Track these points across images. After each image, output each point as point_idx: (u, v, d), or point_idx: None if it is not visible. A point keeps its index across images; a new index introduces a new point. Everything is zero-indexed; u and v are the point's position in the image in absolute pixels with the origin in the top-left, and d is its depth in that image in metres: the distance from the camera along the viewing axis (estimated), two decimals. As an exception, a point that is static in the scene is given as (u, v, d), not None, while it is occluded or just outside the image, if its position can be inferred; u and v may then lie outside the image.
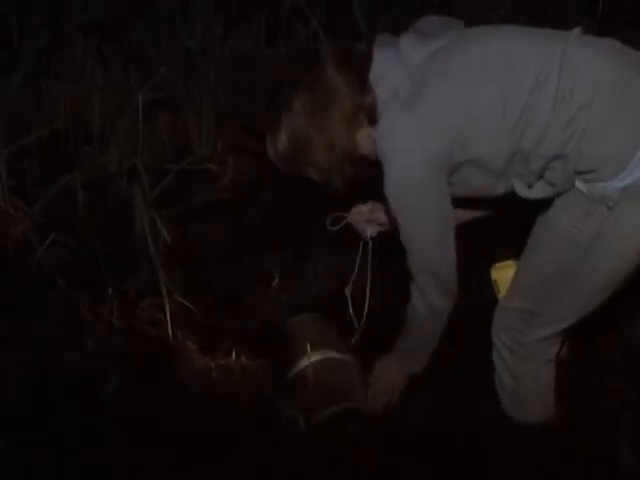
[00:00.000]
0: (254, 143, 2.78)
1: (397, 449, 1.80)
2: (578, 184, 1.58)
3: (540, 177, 1.61)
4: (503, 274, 1.79)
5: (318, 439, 1.82)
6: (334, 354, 1.97)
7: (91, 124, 2.76)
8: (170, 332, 2.12)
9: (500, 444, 1.79)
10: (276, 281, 2.35)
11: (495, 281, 1.81)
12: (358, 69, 1.60)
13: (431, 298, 1.73)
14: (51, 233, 2.30)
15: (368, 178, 1.71)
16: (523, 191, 1.63)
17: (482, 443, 1.80)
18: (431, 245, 1.68)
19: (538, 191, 1.62)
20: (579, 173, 1.57)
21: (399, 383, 1.89)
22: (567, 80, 1.51)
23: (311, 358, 1.93)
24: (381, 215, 1.92)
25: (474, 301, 2.07)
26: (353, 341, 2.05)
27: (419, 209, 1.63)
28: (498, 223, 1.96)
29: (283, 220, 2.57)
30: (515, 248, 1.79)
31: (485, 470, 1.76)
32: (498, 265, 1.82)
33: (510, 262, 1.79)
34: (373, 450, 1.80)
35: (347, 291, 2.04)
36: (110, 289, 2.16)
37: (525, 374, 1.78)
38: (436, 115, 1.55)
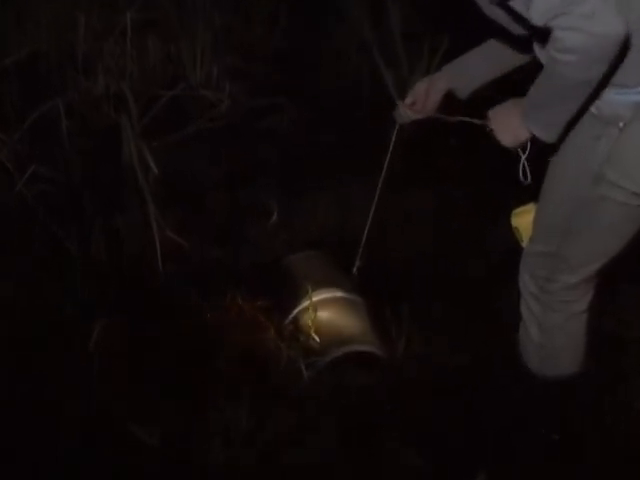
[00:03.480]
0: (253, 67, 2.79)
1: (405, 402, 1.79)
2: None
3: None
4: (524, 220, 1.76)
5: (320, 387, 1.80)
6: (338, 293, 1.95)
7: (75, 46, 2.69)
8: (161, 269, 2.09)
9: (518, 398, 1.80)
10: (275, 216, 2.32)
11: (516, 229, 1.78)
12: None
13: (597, 23, 1.40)
14: (32, 164, 2.24)
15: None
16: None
17: (496, 396, 1.81)
18: None
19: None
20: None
21: (518, 129, 1.61)
22: None
23: (313, 297, 1.90)
24: (435, 95, 1.78)
25: (498, 254, 2.10)
26: (354, 269, 1.99)
27: None
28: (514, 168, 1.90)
29: (283, 150, 2.54)
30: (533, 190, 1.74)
31: (499, 422, 1.76)
32: (517, 211, 1.78)
33: (529, 206, 1.76)
34: (379, 403, 1.79)
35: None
36: (96, 225, 2.14)
37: (554, 327, 1.76)
38: None
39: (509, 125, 1.61)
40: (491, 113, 1.65)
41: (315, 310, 1.89)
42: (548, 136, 1.56)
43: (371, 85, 2.76)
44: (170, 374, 1.82)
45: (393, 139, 1.89)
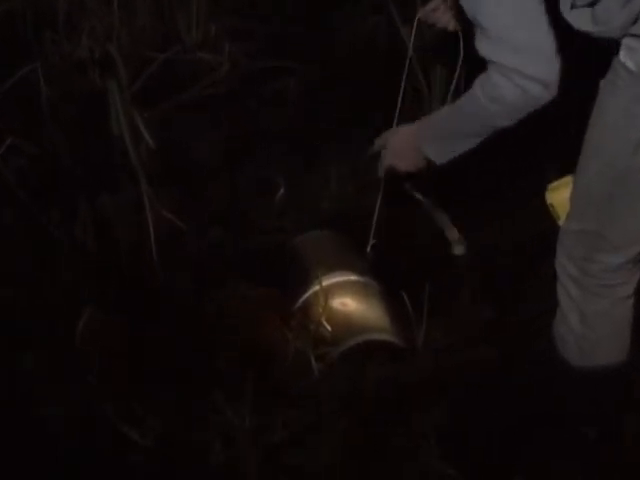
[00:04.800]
0: (255, 26, 2.78)
1: (425, 398, 1.79)
2: (624, 56, 1.51)
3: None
4: (560, 195, 1.74)
5: (331, 380, 1.80)
6: (352, 276, 1.96)
7: (55, 3, 2.68)
8: (155, 254, 2.08)
9: (554, 394, 1.80)
10: (281, 192, 2.32)
11: (551, 205, 1.77)
12: None
13: (525, 81, 1.57)
14: (8, 137, 2.22)
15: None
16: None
17: (529, 392, 1.81)
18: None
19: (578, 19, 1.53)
20: None
21: (408, 152, 1.83)
22: None
23: (323, 282, 1.90)
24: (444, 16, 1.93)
25: (530, 234, 2.10)
26: (368, 248, 2.01)
27: None
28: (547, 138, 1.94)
29: (290, 118, 2.53)
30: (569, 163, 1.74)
31: (533, 421, 1.75)
32: (552, 185, 1.77)
33: (566, 179, 1.74)
34: (395, 398, 1.79)
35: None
36: (82, 205, 2.13)
37: (597, 314, 1.74)
38: None
39: (405, 151, 1.82)
40: (386, 141, 1.86)
41: (326, 296, 1.89)
42: (443, 161, 1.76)
43: (388, 45, 2.73)
44: (165, 369, 1.82)
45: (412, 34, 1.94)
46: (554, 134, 2.28)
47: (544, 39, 1.55)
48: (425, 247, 2.15)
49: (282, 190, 2.32)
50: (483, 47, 1.57)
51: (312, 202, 2.32)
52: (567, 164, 1.74)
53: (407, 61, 1.98)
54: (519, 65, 1.55)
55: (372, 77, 2.65)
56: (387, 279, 1.99)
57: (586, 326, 1.75)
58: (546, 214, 1.78)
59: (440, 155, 1.77)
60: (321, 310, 1.88)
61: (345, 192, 2.33)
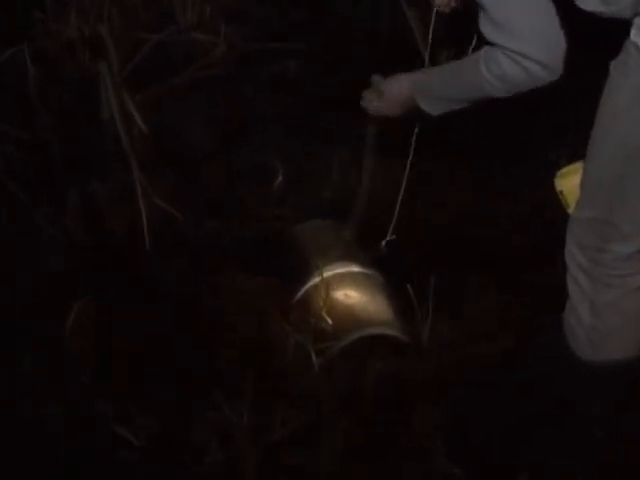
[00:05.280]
0: (252, 7, 2.77)
1: (430, 395, 1.79)
2: (635, 35, 1.53)
3: None
4: (569, 182, 1.76)
5: (332, 376, 1.80)
6: (354, 268, 1.96)
7: None
8: (148, 244, 2.08)
9: (564, 389, 1.81)
10: (280, 179, 2.33)
11: (561, 192, 1.78)
12: None
13: (528, 62, 1.60)
14: None
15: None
16: None
17: (538, 387, 1.81)
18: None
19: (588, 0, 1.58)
20: None
21: (403, 98, 1.87)
22: None
23: (324, 273, 1.90)
24: None
25: (539, 224, 2.11)
26: (383, 244, 2.02)
27: None
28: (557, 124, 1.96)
29: (289, 102, 2.53)
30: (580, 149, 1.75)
31: (541, 417, 1.76)
32: (562, 171, 1.79)
33: (575, 165, 1.76)
34: (398, 396, 1.79)
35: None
36: (72, 193, 2.15)
37: (608, 305, 1.75)
38: None
39: (398, 96, 1.86)
40: (382, 85, 1.88)
41: (327, 287, 1.89)
42: (436, 114, 1.80)
43: (390, 25, 2.74)
44: (162, 366, 1.83)
45: (432, 26, 1.92)
46: (563, 119, 2.29)
47: (549, 24, 1.57)
48: (430, 239, 2.15)
49: (280, 177, 2.32)
50: (487, 30, 1.60)
51: (312, 190, 2.31)
52: (577, 150, 1.76)
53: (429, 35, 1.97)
54: (523, 49, 1.57)
55: (375, 60, 2.62)
56: (391, 271, 1.99)
57: (596, 317, 1.76)
58: (556, 202, 1.79)
59: (433, 108, 1.80)
60: (322, 303, 1.88)
61: (347, 180, 2.32)
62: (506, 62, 1.59)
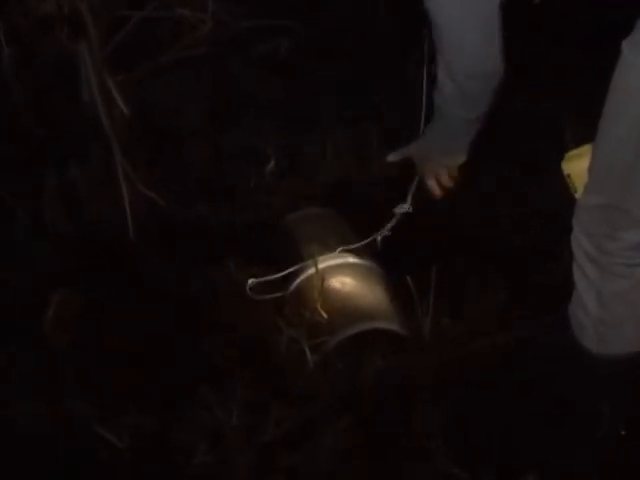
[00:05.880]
0: None
1: (431, 392, 1.79)
2: None
3: None
4: (577, 165, 1.76)
5: (328, 373, 1.81)
6: (350, 259, 1.97)
7: None
8: (131, 233, 2.10)
9: (572, 385, 1.82)
10: (272, 164, 2.33)
11: (569, 176, 1.78)
12: None
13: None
14: None
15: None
16: None
17: (545, 383, 1.81)
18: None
19: None
20: None
21: (430, 166, 1.95)
22: None
23: (319, 264, 1.92)
24: None
25: (544, 211, 2.12)
26: (379, 239, 2.02)
27: None
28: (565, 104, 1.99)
29: (282, 82, 2.53)
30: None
31: (549, 414, 1.77)
32: (570, 154, 1.79)
33: (584, 148, 1.76)
34: (398, 394, 1.79)
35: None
36: (50, 178, 2.14)
37: (616, 296, 1.74)
38: None
39: (428, 167, 1.94)
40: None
41: (322, 279, 1.89)
42: (464, 154, 1.89)
43: (391, 5, 2.70)
44: (145, 362, 1.83)
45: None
46: (572, 100, 2.29)
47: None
48: (431, 228, 2.15)
49: (273, 162, 2.33)
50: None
51: (306, 176, 2.32)
52: (586, 132, 1.74)
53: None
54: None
55: (374, 39, 2.63)
56: (390, 262, 2.00)
57: (604, 308, 1.75)
58: (563, 187, 1.78)
59: (457, 151, 1.88)
60: (317, 295, 1.88)
61: (343, 165, 2.34)
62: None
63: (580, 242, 1.73)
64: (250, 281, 1.95)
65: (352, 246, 1.98)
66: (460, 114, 1.81)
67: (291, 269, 1.94)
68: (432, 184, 1.98)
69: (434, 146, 1.92)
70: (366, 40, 2.62)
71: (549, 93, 2.14)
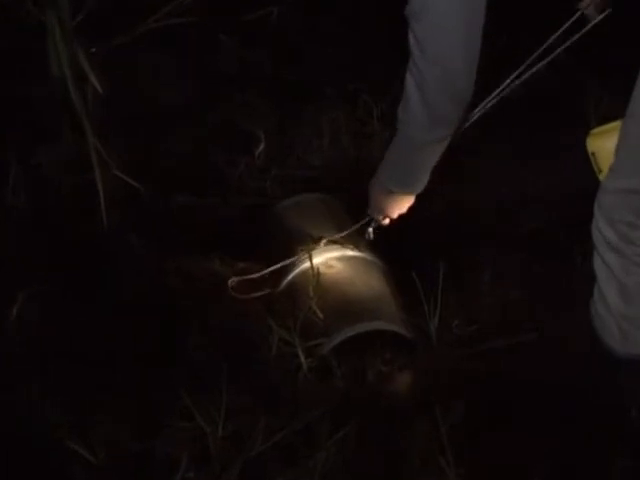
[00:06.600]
0: None
1: (438, 399, 1.78)
2: None
3: None
4: (603, 144, 1.76)
5: (322, 379, 1.80)
6: (348, 251, 1.97)
7: None
8: (105, 222, 2.09)
9: (595, 387, 1.82)
10: (261, 147, 2.33)
11: (593, 155, 1.79)
12: None
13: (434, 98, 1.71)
14: None
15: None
16: None
17: (563, 385, 1.82)
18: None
19: None
20: None
21: (383, 202, 1.96)
22: None
23: (314, 257, 1.92)
24: None
25: (560, 198, 2.12)
26: (370, 230, 2.02)
27: None
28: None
29: (271, 55, 2.54)
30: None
31: (570, 418, 1.77)
32: (596, 131, 1.79)
33: (613, 125, 1.76)
34: (400, 401, 1.80)
35: None
36: (16, 162, 2.14)
37: (639, 289, 1.76)
38: None
39: (383, 202, 1.94)
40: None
41: (317, 274, 1.88)
42: (415, 189, 1.89)
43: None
44: (122, 365, 1.81)
45: None
46: (600, 73, 2.31)
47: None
48: (440, 215, 2.15)
49: (263, 145, 2.33)
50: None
51: (299, 159, 2.33)
52: (615, 108, 1.74)
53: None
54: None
55: (372, 10, 2.64)
56: (393, 256, 2.00)
57: (626, 303, 1.77)
58: (586, 168, 1.78)
59: (410, 186, 1.89)
60: (311, 293, 1.86)
61: (338, 147, 2.34)
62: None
63: (601, 229, 1.73)
64: (231, 280, 1.94)
65: (344, 233, 1.98)
66: (423, 137, 1.79)
67: (282, 263, 1.93)
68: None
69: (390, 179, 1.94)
70: (365, 8, 2.66)
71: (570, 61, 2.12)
